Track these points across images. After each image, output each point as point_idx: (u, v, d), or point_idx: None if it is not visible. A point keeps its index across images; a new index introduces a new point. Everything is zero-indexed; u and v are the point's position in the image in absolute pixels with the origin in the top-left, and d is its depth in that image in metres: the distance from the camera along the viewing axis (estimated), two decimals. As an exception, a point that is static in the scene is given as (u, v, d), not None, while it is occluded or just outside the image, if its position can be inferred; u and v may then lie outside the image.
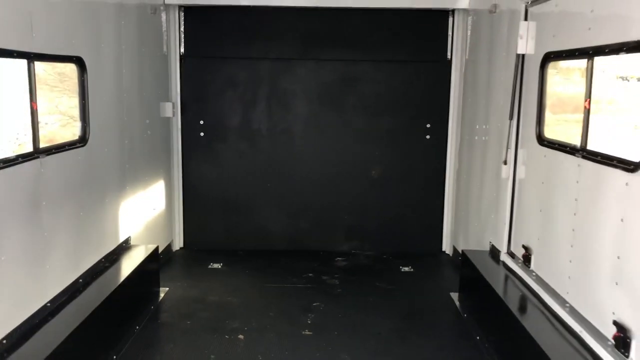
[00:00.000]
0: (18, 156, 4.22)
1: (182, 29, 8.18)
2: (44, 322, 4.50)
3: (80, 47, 5.20)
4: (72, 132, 5.28)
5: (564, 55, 4.98)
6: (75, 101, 5.28)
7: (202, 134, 8.45)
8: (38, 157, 4.46)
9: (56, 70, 5.27)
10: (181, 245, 8.67)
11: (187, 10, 8.14)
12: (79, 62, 5.20)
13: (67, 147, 4.99)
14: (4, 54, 4.02)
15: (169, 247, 8.27)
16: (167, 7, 7.82)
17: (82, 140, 5.29)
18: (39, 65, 4.50)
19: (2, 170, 3.98)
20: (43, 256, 4.59)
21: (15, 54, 4.15)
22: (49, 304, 4.65)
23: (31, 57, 4.35)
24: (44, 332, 4.37)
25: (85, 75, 5.27)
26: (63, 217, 4.94)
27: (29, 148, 4.41)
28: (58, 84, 5.35)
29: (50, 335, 4.35)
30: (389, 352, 5.47)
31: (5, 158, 4.08)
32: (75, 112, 5.29)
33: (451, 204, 8.54)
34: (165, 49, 7.92)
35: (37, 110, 4.47)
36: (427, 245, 8.66)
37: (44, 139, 4.61)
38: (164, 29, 7.80)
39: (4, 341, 4.02)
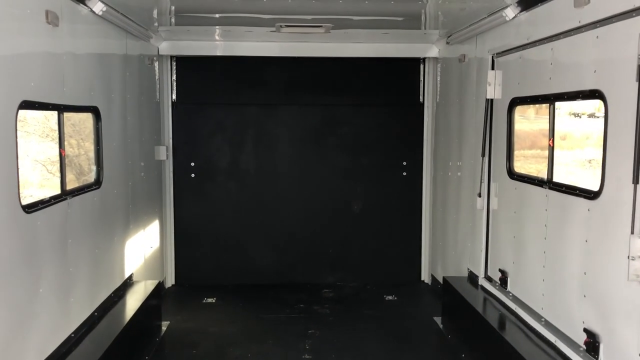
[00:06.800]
0: (51, 198, 4.65)
1: (174, 77, 8.74)
2: (69, 352, 4.85)
3: (97, 97, 5.70)
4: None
5: (528, 100, 5.72)
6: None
7: (192, 175, 8.93)
8: (66, 199, 4.89)
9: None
10: (173, 282, 9.01)
11: (179, 60, 8.72)
12: (95, 111, 5.68)
13: (86, 190, 5.42)
14: (42, 106, 4.50)
15: (161, 284, 8.59)
16: (160, 57, 8.38)
17: (97, 183, 5.73)
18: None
19: (40, 211, 4.40)
20: (69, 290, 4.96)
21: (50, 107, 4.63)
22: (72, 335, 5.00)
23: (61, 109, 4.83)
24: (72, 361, 4.73)
25: (100, 123, 5.75)
26: (83, 254, 5.33)
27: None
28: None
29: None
30: (384, 372, 5.97)
31: (42, 199, 4.51)
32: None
33: (428, 235, 9.17)
34: (158, 96, 8.44)
35: (65, 156, 4.93)
36: (407, 275, 9.24)
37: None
38: (157, 77, 8.34)
39: (40, 368, 4.37)
